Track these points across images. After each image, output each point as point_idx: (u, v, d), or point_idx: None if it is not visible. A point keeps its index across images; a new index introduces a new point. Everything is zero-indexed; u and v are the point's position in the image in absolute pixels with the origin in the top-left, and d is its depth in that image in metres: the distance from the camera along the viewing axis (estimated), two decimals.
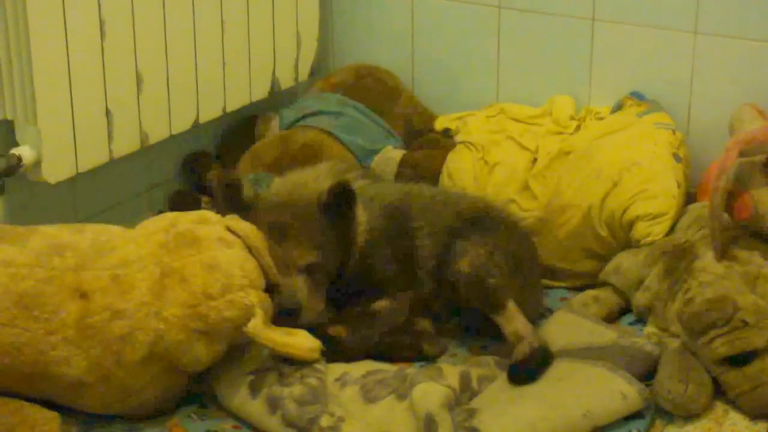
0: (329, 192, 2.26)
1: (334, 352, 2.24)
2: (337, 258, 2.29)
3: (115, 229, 2.17)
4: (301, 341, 2.16)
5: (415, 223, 2.41)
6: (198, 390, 2.22)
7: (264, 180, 2.69)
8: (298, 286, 2.23)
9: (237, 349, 2.19)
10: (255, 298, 2.11)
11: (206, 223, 2.18)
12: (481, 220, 2.42)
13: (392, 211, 2.41)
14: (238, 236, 2.16)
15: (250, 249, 2.16)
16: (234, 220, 2.20)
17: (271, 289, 2.18)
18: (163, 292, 2.08)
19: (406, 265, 2.38)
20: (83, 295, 2.04)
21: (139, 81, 2.55)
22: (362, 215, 2.35)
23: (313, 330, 2.20)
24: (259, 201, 2.28)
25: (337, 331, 2.28)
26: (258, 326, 2.09)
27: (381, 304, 2.34)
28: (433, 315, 2.41)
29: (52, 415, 2.03)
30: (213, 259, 2.10)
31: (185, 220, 2.18)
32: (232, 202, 2.25)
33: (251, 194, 2.30)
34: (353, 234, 2.32)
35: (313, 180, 2.38)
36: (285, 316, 2.20)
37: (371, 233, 2.35)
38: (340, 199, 2.26)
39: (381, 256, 2.36)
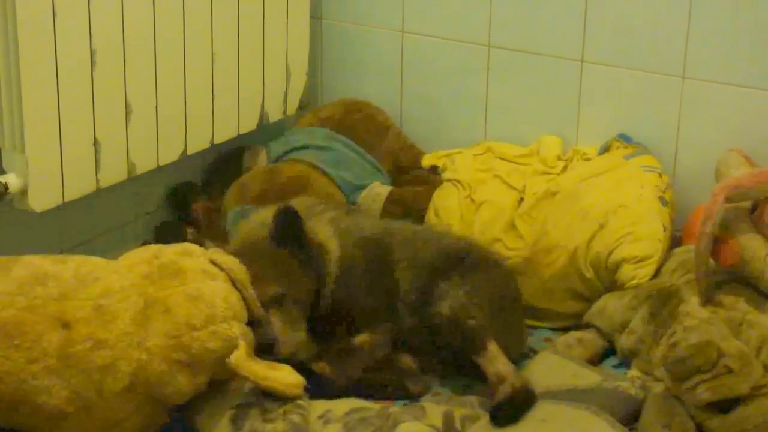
0: (273, 219, 2.27)
1: (318, 387, 2.23)
2: (308, 287, 2.29)
3: (97, 261, 2.16)
4: (284, 376, 2.15)
5: (394, 256, 2.41)
6: (179, 423, 2.20)
7: (250, 212, 2.69)
8: (271, 321, 2.22)
9: (219, 383, 2.18)
10: (238, 330, 2.11)
11: (190, 256, 2.18)
12: (463, 259, 2.42)
13: (370, 243, 2.41)
14: (222, 269, 2.16)
15: (233, 282, 2.15)
16: (217, 253, 2.20)
17: (252, 323, 2.18)
18: (146, 323, 2.07)
19: (385, 297, 2.37)
20: (65, 325, 2.02)
21: (127, 111, 2.55)
22: (334, 244, 2.35)
23: (297, 366, 2.18)
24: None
25: (321, 367, 2.27)
26: (241, 358, 2.08)
27: (362, 339, 2.34)
28: (416, 351, 2.40)
29: None
30: (197, 290, 2.10)
31: (169, 252, 2.18)
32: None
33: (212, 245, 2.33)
34: (319, 261, 2.31)
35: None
36: (264, 351, 2.19)
37: (344, 263, 2.35)
38: (286, 224, 2.26)
39: (357, 287, 2.36)
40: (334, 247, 2.35)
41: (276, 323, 2.22)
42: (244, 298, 2.16)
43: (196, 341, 2.07)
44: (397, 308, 2.38)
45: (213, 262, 2.16)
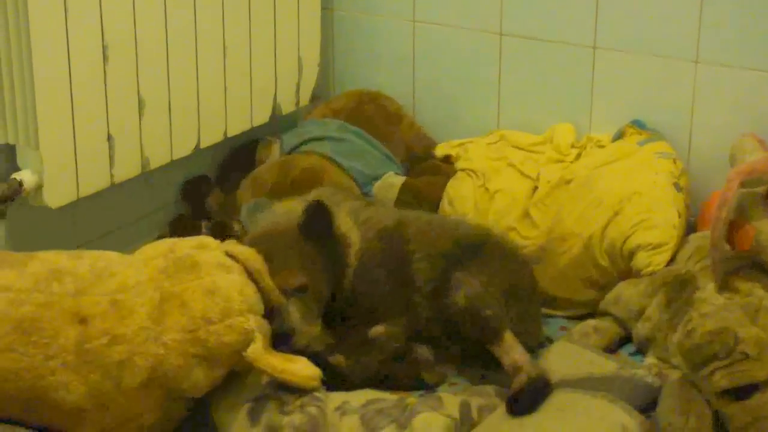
0: (304, 211, 2.27)
1: (334, 380, 2.23)
2: (328, 280, 2.29)
3: (113, 255, 2.17)
4: (300, 368, 2.15)
5: (410, 246, 2.41)
6: (197, 417, 2.21)
7: (264, 205, 2.69)
8: (290, 310, 2.22)
9: (236, 376, 2.18)
10: (254, 323, 2.11)
11: (205, 249, 2.18)
12: (479, 248, 2.42)
13: (387, 234, 2.41)
14: (238, 260, 2.16)
15: (250, 273, 2.16)
16: (233, 245, 2.20)
17: (269, 314, 2.18)
18: (162, 317, 2.07)
19: (402, 288, 2.37)
20: (82, 320, 2.03)
21: (141, 106, 2.55)
22: (355, 236, 2.35)
23: (313, 358, 2.19)
24: (245, 234, 2.30)
25: (337, 360, 2.28)
26: (258, 351, 2.09)
27: (378, 330, 2.34)
28: (432, 342, 2.40)
29: None
30: (213, 283, 2.10)
31: (184, 245, 2.18)
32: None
33: (237, 229, 2.32)
34: (341, 254, 2.32)
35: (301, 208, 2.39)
36: (279, 341, 2.19)
37: (364, 255, 2.35)
38: (317, 218, 2.27)
39: (375, 279, 2.36)
40: (355, 240, 2.35)
41: (295, 314, 2.22)
42: (261, 288, 2.16)
43: (212, 335, 2.07)
44: (414, 300, 2.38)
45: (229, 254, 2.17)
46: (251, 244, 2.24)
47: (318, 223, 2.29)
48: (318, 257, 2.28)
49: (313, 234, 2.28)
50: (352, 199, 2.51)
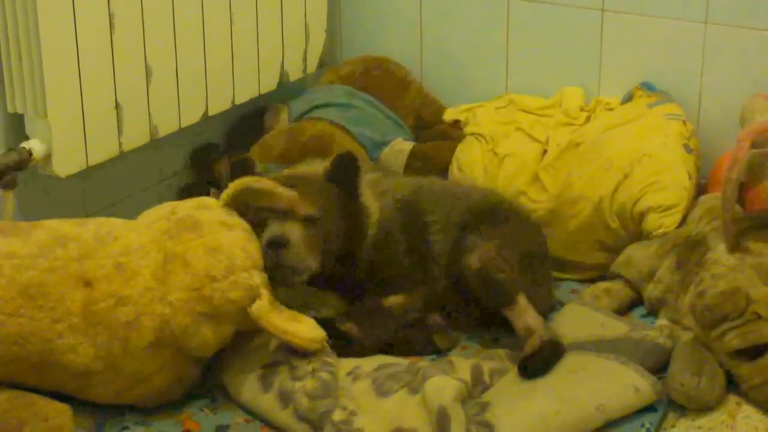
0: (335, 158, 2.27)
1: (345, 348, 2.23)
2: (341, 231, 2.27)
3: (116, 221, 2.18)
4: (304, 330, 2.14)
5: (427, 217, 2.40)
6: (209, 383, 2.22)
7: (273, 172, 2.69)
8: (292, 229, 2.18)
9: (246, 342, 2.19)
10: (259, 278, 2.11)
11: (206, 208, 2.19)
12: (491, 213, 2.41)
13: (405, 205, 2.41)
14: (241, 188, 2.14)
15: (256, 191, 2.15)
16: (231, 186, 2.18)
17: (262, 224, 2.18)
18: (166, 277, 2.08)
19: (420, 260, 2.37)
20: (87, 284, 2.04)
21: (148, 74, 2.55)
22: (374, 206, 2.34)
23: (324, 325, 2.19)
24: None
25: (348, 327, 2.28)
26: (263, 308, 2.09)
27: (394, 300, 2.34)
28: (447, 310, 2.40)
29: (64, 407, 2.03)
30: (215, 241, 2.11)
31: (185, 206, 2.20)
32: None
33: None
34: (361, 216, 2.31)
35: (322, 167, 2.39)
36: (270, 248, 2.15)
37: (384, 225, 2.35)
38: (345, 168, 2.27)
39: (394, 250, 2.35)
40: (374, 210, 2.34)
41: (295, 232, 2.18)
42: (267, 193, 2.15)
43: (217, 292, 2.08)
44: (431, 271, 2.38)
45: (229, 199, 2.16)
46: (276, 180, 2.23)
47: (344, 173, 2.28)
48: (337, 202, 2.27)
49: (338, 182, 2.27)
50: (371, 170, 2.50)
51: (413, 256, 2.36)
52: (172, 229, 2.13)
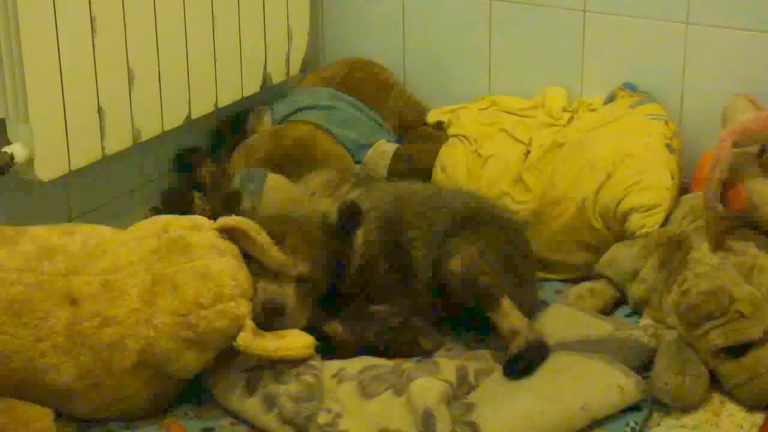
0: (339, 212, 2.26)
1: (330, 348, 2.23)
2: (329, 276, 2.27)
3: (105, 231, 2.16)
4: (293, 341, 2.14)
5: (410, 233, 2.39)
6: (194, 388, 2.21)
7: (257, 175, 2.68)
8: (287, 293, 2.19)
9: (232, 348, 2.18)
10: (245, 308, 2.10)
11: (199, 230, 2.16)
12: (474, 217, 2.41)
13: (387, 223, 2.39)
14: (238, 230, 2.14)
15: (251, 240, 2.13)
16: (231, 219, 2.17)
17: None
18: (153, 300, 2.06)
19: (403, 276, 2.37)
20: (73, 302, 2.03)
21: (130, 77, 2.54)
22: (358, 233, 2.33)
23: (308, 329, 2.18)
24: (255, 212, 2.28)
25: (333, 328, 2.27)
26: (248, 339, 2.07)
27: (377, 308, 2.33)
28: (431, 320, 2.40)
29: (45, 412, 2.02)
30: (205, 267, 2.08)
31: (178, 225, 2.16)
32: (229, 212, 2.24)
33: (248, 206, 2.30)
34: (351, 251, 2.31)
35: (309, 196, 2.38)
36: (264, 311, 2.16)
37: (368, 247, 2.34)
38: (348, 219, 2.26)
39: (378, 270, 2.35)
40: (358, 236, 2.33)
41: (291, 297, 2.19)
42: (261, 249, 2.13)
43: (203, 320, 2.06)
44: (413, 285, 2.37)
45: (227, 227, 2.15)
46: (264, 221, 2.22)
47: (347, 225, 2.28)
48: (329, 255, 2.26)
49: (338, 234, 2.27)
50: (353, 185, 2.49)
51: (396, 273, 2.35)
52: (162, 250, 2.10)
